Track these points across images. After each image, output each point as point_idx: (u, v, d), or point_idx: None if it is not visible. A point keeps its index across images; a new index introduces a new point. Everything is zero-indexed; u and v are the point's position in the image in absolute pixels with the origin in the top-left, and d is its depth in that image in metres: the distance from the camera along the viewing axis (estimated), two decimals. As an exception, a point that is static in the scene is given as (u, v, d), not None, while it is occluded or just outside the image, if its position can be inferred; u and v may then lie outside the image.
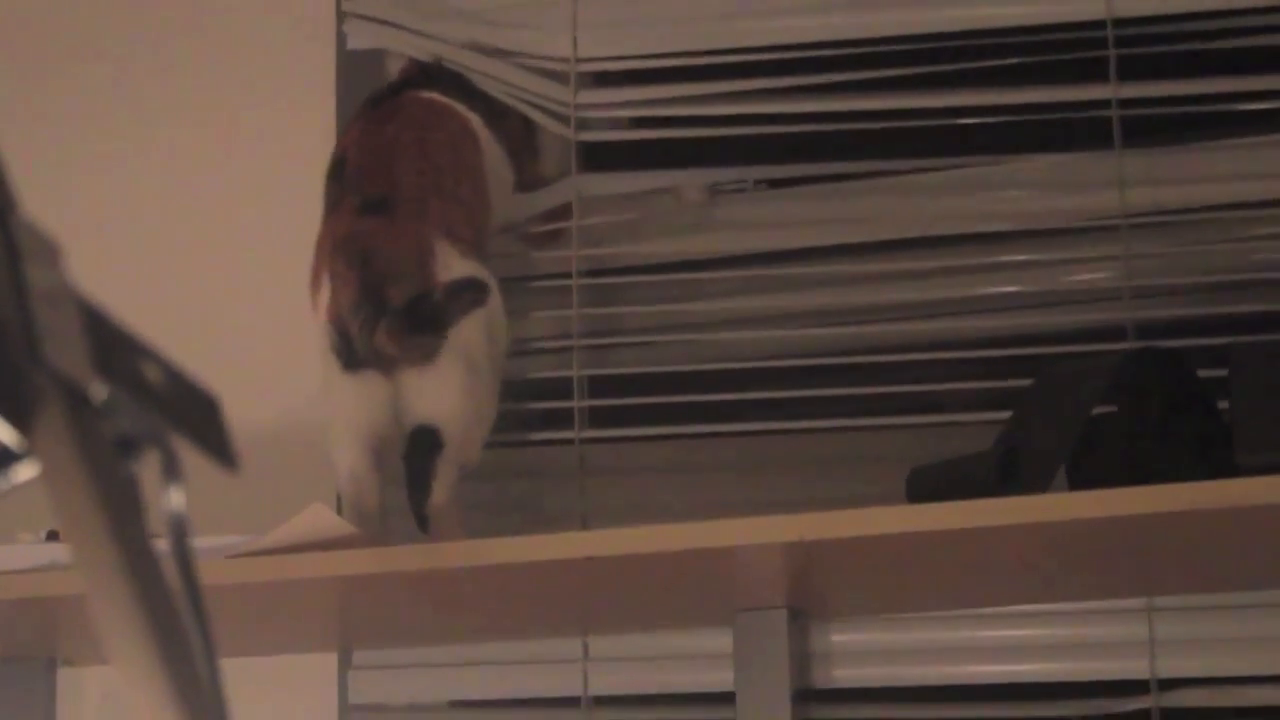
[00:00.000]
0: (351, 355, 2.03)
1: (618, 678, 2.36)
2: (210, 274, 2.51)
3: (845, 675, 2.29)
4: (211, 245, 2.52)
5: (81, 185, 2.56)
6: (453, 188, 2.15)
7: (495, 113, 2.35)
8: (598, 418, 2.44)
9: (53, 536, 2.05)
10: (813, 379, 2.40)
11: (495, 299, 2.12)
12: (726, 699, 2.23)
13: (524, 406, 2.42)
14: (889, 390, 2.37)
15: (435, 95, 2.27)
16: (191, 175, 2.54)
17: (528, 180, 2.41)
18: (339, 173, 2.17)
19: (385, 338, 2.00)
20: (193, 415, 0.78)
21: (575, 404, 2.41)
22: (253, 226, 2.52)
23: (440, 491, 2.03)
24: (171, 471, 0.78)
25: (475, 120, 2.28)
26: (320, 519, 1.97)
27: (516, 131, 2.39)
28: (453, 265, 2.06)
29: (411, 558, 1.96)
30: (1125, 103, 2.34)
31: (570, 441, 2.41)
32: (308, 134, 2.50)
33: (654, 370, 2.44)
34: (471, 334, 2.06)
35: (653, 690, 2.36)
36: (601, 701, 2.38)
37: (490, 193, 2.24)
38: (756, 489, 2.36)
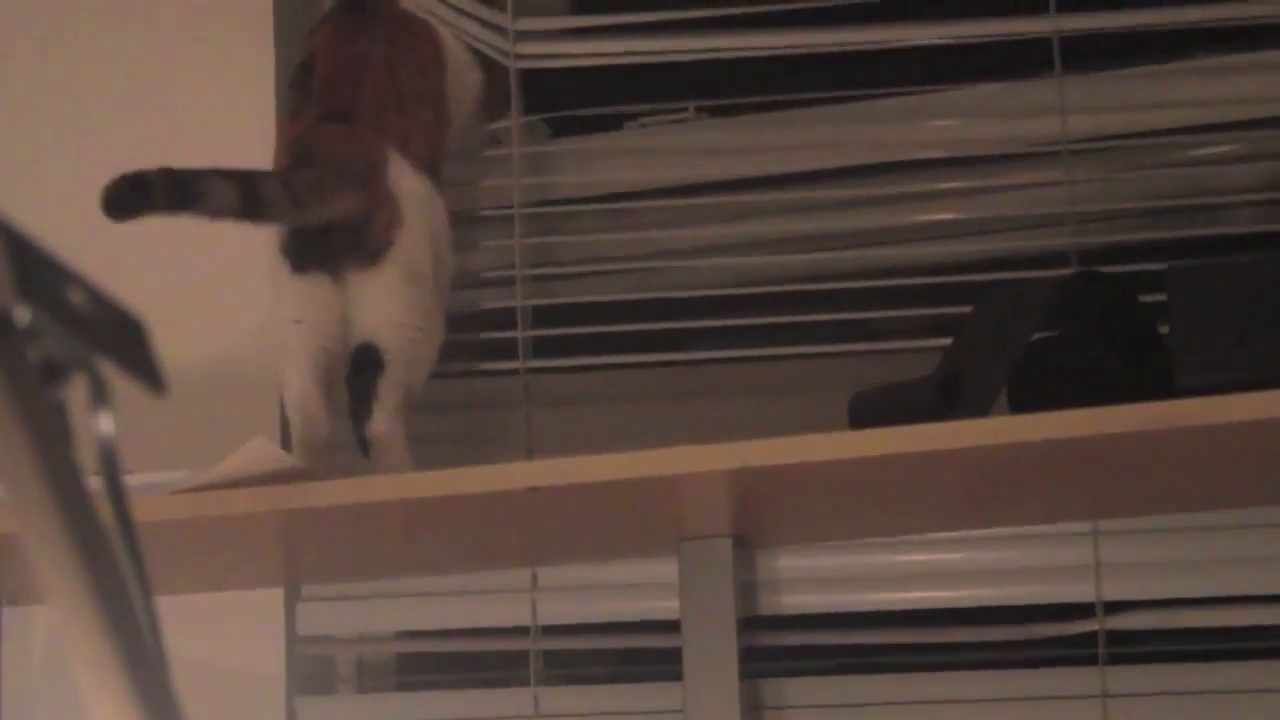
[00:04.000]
0: (299, 254, 2.04)
1: (565, 607, 2.36)
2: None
3: (790, 602, 2.30)
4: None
5: (16, 127, 2.54)
6: (414, 109, 2.17)
7: None
8: (542, 348, 2.44)
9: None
10: (755, 308, 2.40)
11: (442, 218, 2.13)
12: (673, 626, 2.24)
13: (469, 337, 2.41)
14: (832, 318, 2.37)
15: (409, 8, 2.28)
16: (130, 109, 2.52)
17: (500, 84, 2.42)
18: (305, 79, 2.18)
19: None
20: (119, 339, 0.77)
21: (520, 334, 2.41)
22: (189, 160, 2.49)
23: (381, 415, 2.04)
24: (100, 397, 0.77)
25: (445, 34, 2.30)
26: (262, 453, 1.96)
27: None
28: (404, 177, 2.08)
29: (354, 491, 1.96)
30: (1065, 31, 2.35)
31: (515, 372, 2.41)
32: (245, 68, 2.49)
33: (598, 299, 2.44)
34: (416, 245, 2.07)
35: (601, 619, 2.37)
36: (550, 631, 2.38)
37: (453, 115, 2.27)
38: (701, 417, 2.37)
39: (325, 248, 2.05)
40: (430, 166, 2.15)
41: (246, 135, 2.43)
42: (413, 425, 2.15)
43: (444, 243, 2.15)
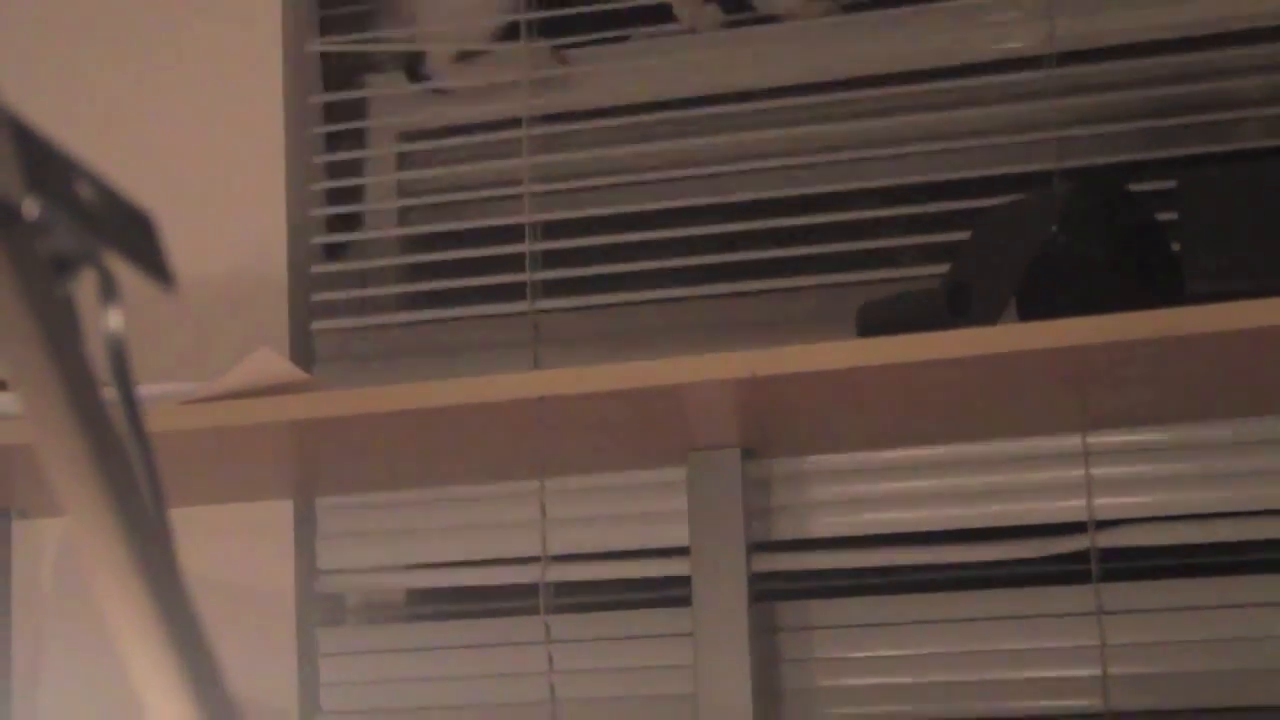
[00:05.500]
0: None
1: (575, 536, 2.37)
2: (156, 126, 2.48)
3: (792, 526, 2.31)
4: (156, 99, 2.49)
5: (41, 52, 2.53)
6: None
7: None
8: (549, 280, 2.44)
9: (2, 386, 2.03)
10: (761, 241, 2.40)
11: None
12: (682, 551, 2.24)
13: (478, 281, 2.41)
14: (836, 249, 2.37)
15: None
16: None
17: None
18: None
19: None
20: (128, 233, 0.77)
21: (528, 278, 2.41)
22: (199, 79, 2.49)
23: None
24: (108, 291, 0.77)
25: None
26: (268, 364, 1.96)
27: None
28: None
29: (363, 401, 1.95)
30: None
31: (525, 314, 2.41)
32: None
33: (606, 212, 2.44)
34: None
35: (610, 547, 2.37)
36: (560, 559, 2.39)
37: None
38: (710, 349, 2.36)
39: None
40: None
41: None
42: (418, 368, 2.14)
43: None
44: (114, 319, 0.78)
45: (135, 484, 0.76)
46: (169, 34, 2.51)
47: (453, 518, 2.41)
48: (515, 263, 2.45)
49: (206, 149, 2.47)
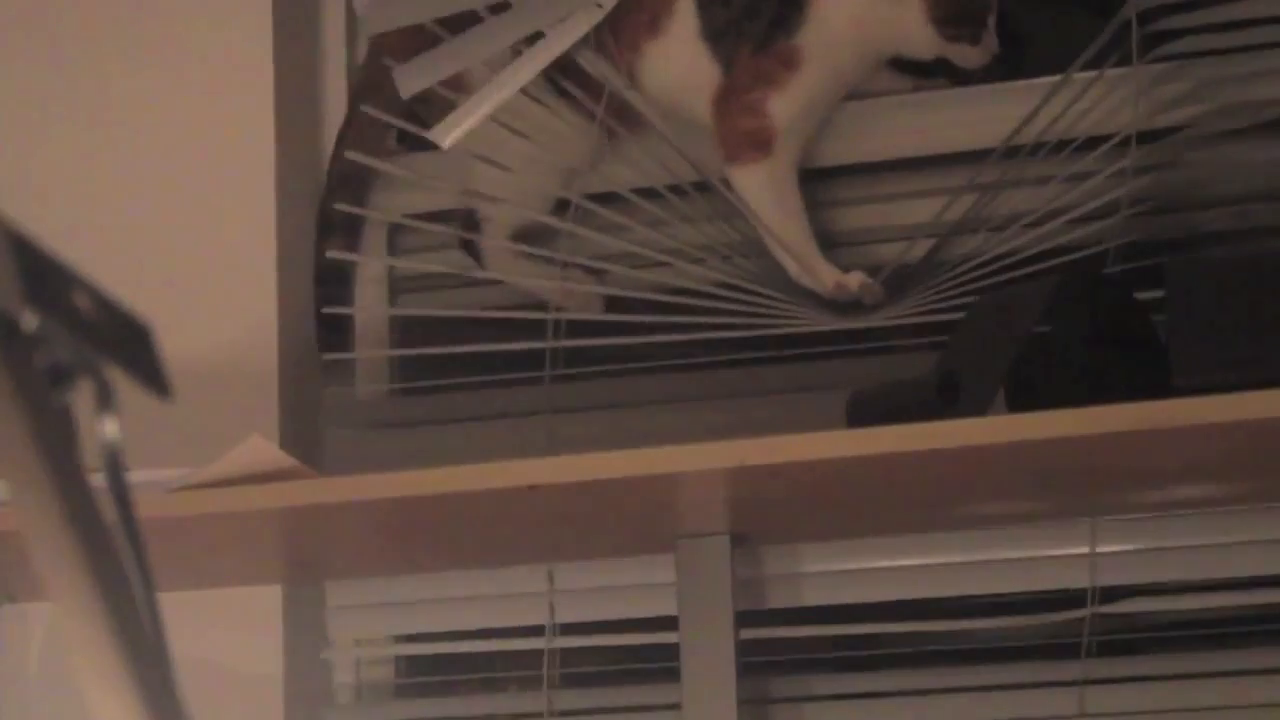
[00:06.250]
0: None
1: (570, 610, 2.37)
2: (146, 206, 2.48)
3: (787, 599, 2.31)
4: (147, 177, 2.50)
5: (13, 127, 2.53)
6: None
7: None
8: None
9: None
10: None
11: None
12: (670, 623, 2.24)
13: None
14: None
15: None
16: (125, 106, 2.51)
17: None
18: None
19: None
20: (125, 344, 0.78)
21: (548, 344, 2.39)
22: (190, 158, 2.49)
23: None
24: (105, 401, 0.78)
25: None
26: (260, 452, 1.97)
27: None
28: None
29: (353, 489, 1.96)
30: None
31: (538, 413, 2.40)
32: (243, 65, 2.49)
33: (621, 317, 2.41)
34: None
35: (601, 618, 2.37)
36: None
37: None
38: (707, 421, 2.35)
39: None
40: None
41: (246, 133, 2.44)
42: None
43: None
44: (110, 428, 0.78)
45: (126, 589, 0.77)
46: (162, 121, 2.51)
47: (442, 590, 2.38)
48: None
49: (197, 230, 2.47)
